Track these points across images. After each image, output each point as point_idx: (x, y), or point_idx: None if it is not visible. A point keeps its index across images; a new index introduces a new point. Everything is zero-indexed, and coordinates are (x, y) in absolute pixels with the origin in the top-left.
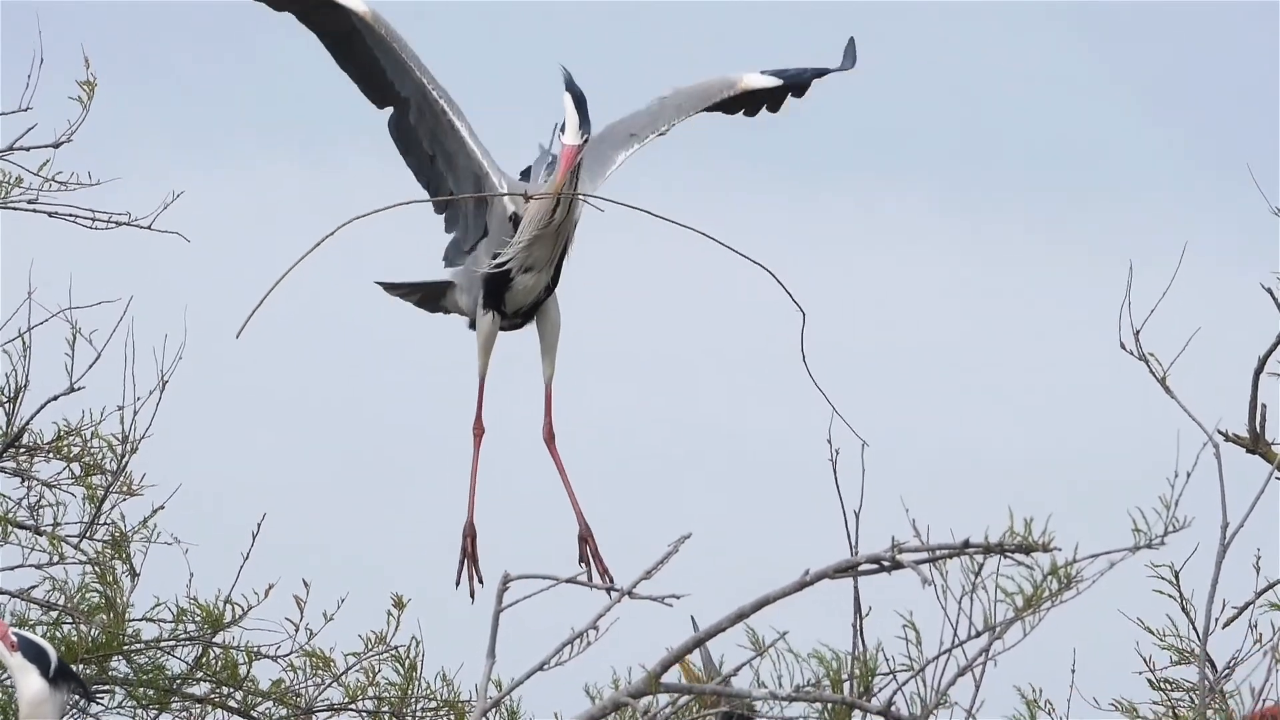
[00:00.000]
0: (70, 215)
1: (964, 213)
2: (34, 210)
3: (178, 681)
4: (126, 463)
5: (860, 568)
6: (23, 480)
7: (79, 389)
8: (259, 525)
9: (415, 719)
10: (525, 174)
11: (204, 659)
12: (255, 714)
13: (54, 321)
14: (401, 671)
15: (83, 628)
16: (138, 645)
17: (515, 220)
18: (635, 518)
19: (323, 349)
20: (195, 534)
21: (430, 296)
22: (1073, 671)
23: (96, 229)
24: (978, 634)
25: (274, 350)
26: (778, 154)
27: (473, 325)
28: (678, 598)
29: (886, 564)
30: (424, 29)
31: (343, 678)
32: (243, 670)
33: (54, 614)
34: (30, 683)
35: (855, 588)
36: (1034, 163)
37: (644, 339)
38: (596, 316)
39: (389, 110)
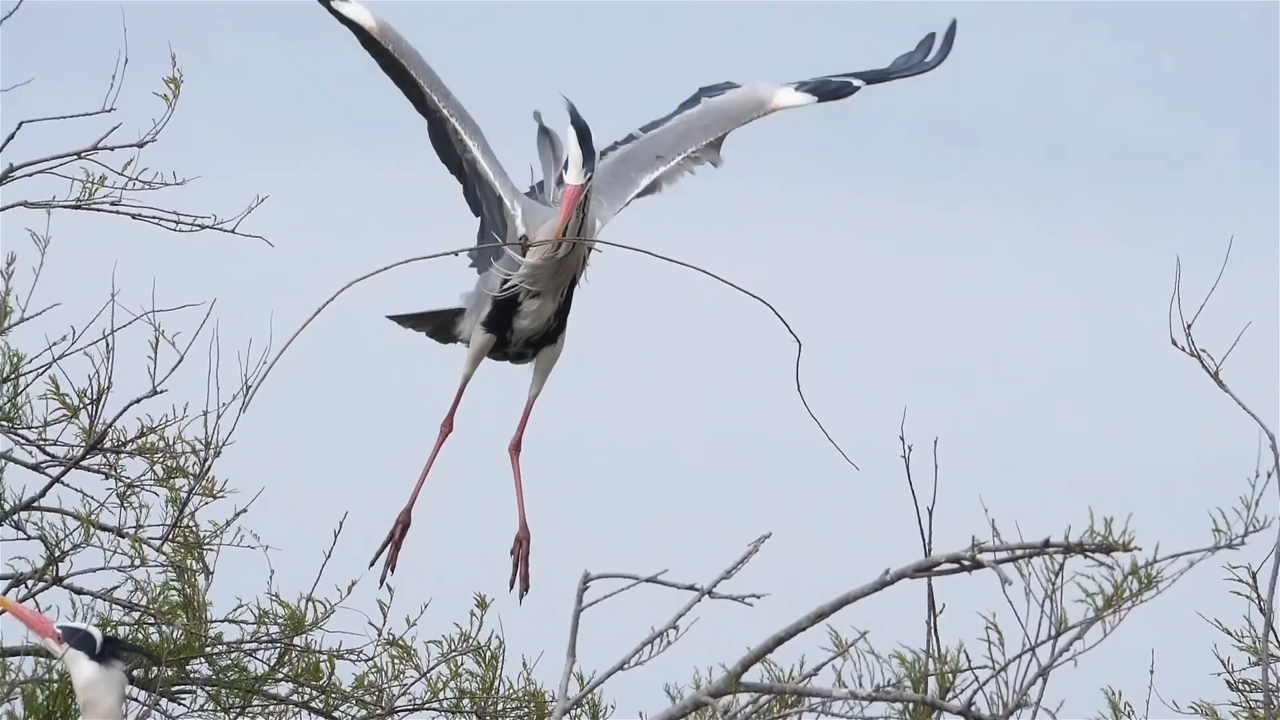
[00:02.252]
0: (154, 218)
1: (1020, 210)
2: (117, 212)
3: (259, 682)
4: (209, 467)
5: (940, 567)
6: (107, 476)
7: (162, 392)
8: (340, 524)
9: (497, 716)
10: (539, 187)
11: (285, 659)
12: (337, 714)
13: (137, 324)
14: (483, 663)
15: (164, 629)
16: (220, 647)
17: (525, 239)
18: (715, 518)
19: (405, 350)
20: (277, 535)
21: (442, 327)
22: (1151, 672)
23: (180, 231)
24: (1058, 634)
25: (357, 351)
26: (838, 147)
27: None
28: (758, 597)
29: (966, 563)
30: (442, 27)
31: (428, 673)
32: (324, 670)
33: (136, 615)
34: (81, 669)
35: (929, 587)
36: (1083, 160)
37: (707, 338)
38: (646, 318)
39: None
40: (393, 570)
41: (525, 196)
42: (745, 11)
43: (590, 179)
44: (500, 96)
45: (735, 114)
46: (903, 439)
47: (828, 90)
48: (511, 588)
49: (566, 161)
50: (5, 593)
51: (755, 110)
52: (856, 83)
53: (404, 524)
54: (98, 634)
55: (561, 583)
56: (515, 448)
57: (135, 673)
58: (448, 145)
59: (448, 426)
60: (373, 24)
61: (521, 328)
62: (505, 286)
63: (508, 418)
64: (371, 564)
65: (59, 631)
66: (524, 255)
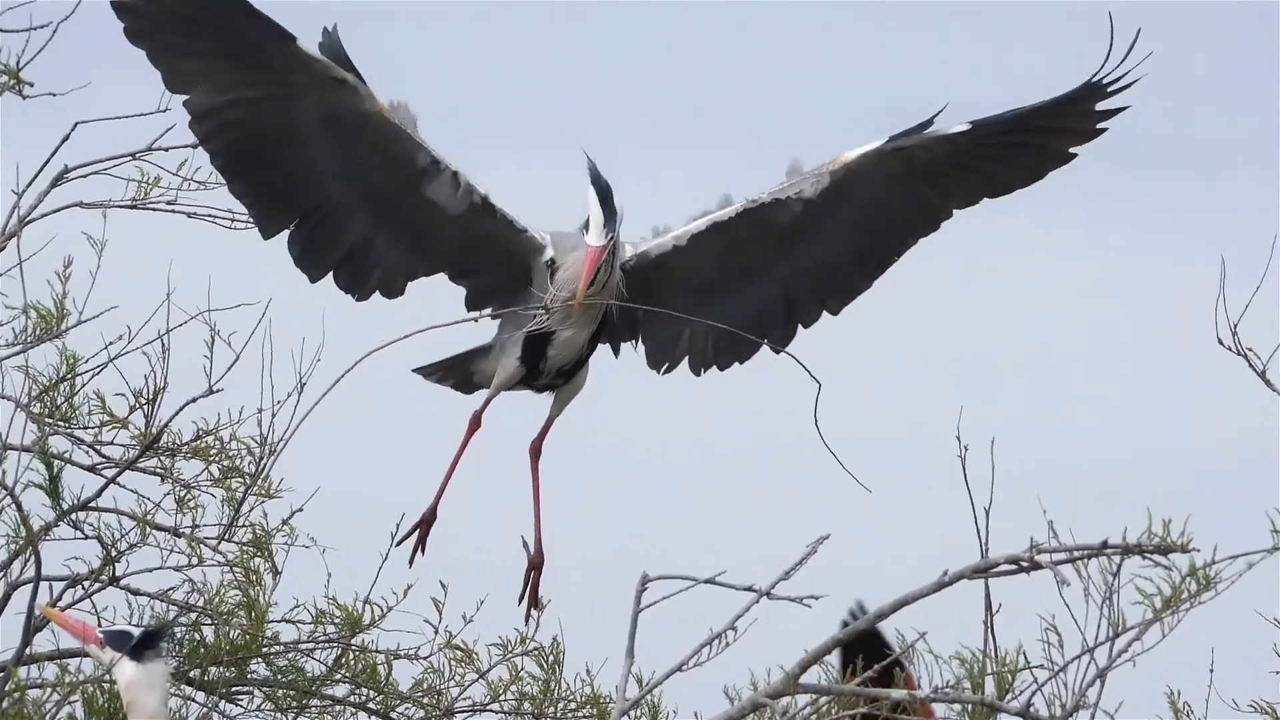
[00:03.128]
0: (209, 216)
1: (1066, 210)
2: (172, 211)
3: (316, 683)
4: (265, 466)
5: (998, 568)
6: (163, 479)
7: (217, 391)
8: (398, 526)
9: (556, 718)
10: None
11: (343, 660)
12: (394, 715)
13: (193, 323)
14: (545, 667)
15: (222, 629)
16: (277, 647)
17: (551, 265)
18: (774, 519)
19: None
20: (333, 535)
21: (464, 375)
22: (1210, 672)
23: (235, 229)
24: (1116, 635)
25: (410, 351)
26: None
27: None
28: (816, 598)
29: (1025, 564)
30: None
31: (487, 674)
32: (382, 671)
33: (193, 615)
34: (122, 670)
35: (986, 587)
36: (1127, 157)
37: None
38: None
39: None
40: (423, 552)
41: (549, 226)
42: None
43: (612, 239)
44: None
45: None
46: (959, 439)
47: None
48: (519, 602)
49: (588, 221)
50: (62, 593)
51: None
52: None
53: (427, 521)
54: (135, 630)
55: (620, 584)
56: (535, 451)
57: (192, 674)
58: (437, 207)
59: (476, 422)
60: (384, 103)
61: (555, 359)
62: (532, 327)
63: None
64: (396, 544)
65: (100, 636)
66: (546, 314)
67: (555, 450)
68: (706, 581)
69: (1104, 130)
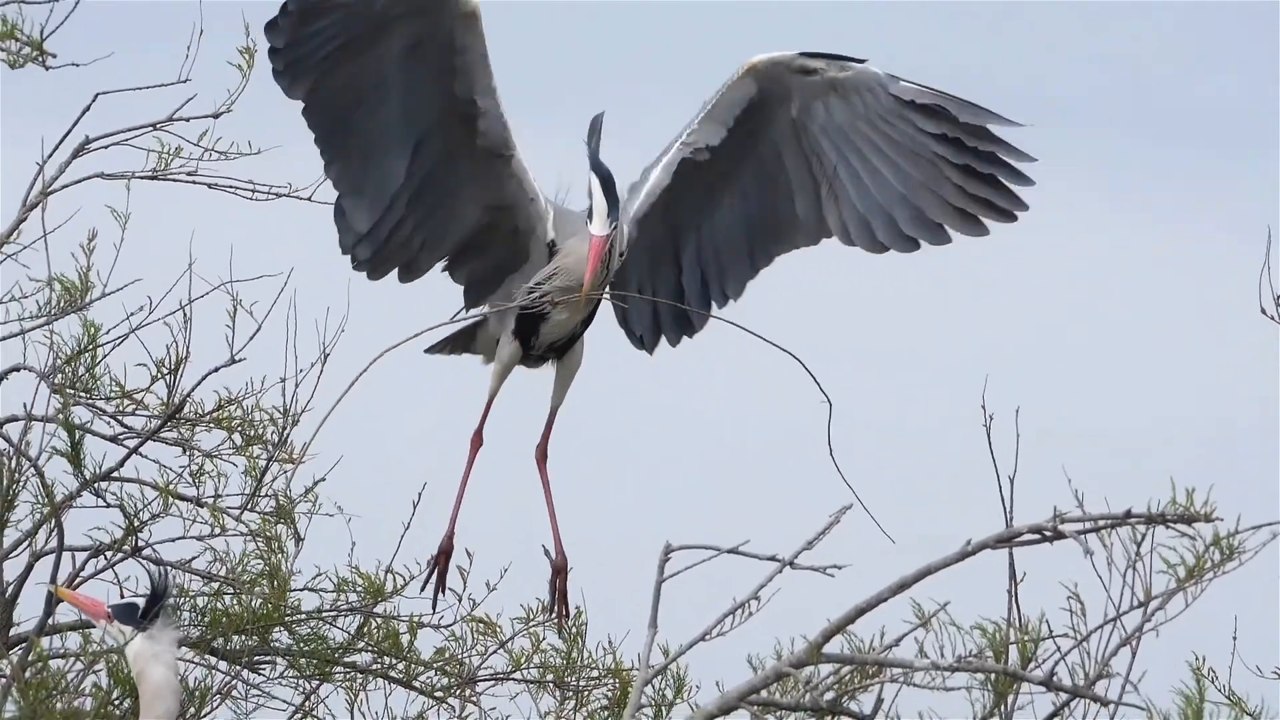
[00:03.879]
0: (230, 187)
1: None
2: (194, 182)
3: (339, 652)
4: (288, 435)
5: (1022, 538)
6: (184, 450)
7: (239, 361)
8: (419, 495)
9: (579, 687)
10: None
11: (365, 629)
12: (417, 684)
13: (215, 294)
14: (567, 638)
15: (244, 598)
16: (299, 616)
17: (552, 247)
18: (796, 489)
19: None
20: (356, 504)
21: (466, 342)
22: (1234, 640)
23: (256, 200)
24: (1140, 605)
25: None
26: None
27: (490, 359)
28: (839, 568)
29: (1048, 534)
30: None
31: (508, 644)
32: (404, 640)
33: (215, 585)
34: (127, 643)
35: (1010, 556)
36: (1165, 128)
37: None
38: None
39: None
40: (444, 593)
41: (555, 202)
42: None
43: (615, 228)
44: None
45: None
46: (984, 408)
47: None
48: (550, 613)
49: (590, 210)
50: (85, 563)
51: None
52: None
53: (445, 552)
54: (141, 602)
55: (643, 554)
56: (541, 455)
57: (215, 643)
58: (472, 145)
59: (478, 440)
60: (476, 4)
61: (547, 335)
62: (528, 300)
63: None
64: (421, 589)
65: (109, 611)
66: (552, 308)
67: (578, 420)
68: (730, 551)
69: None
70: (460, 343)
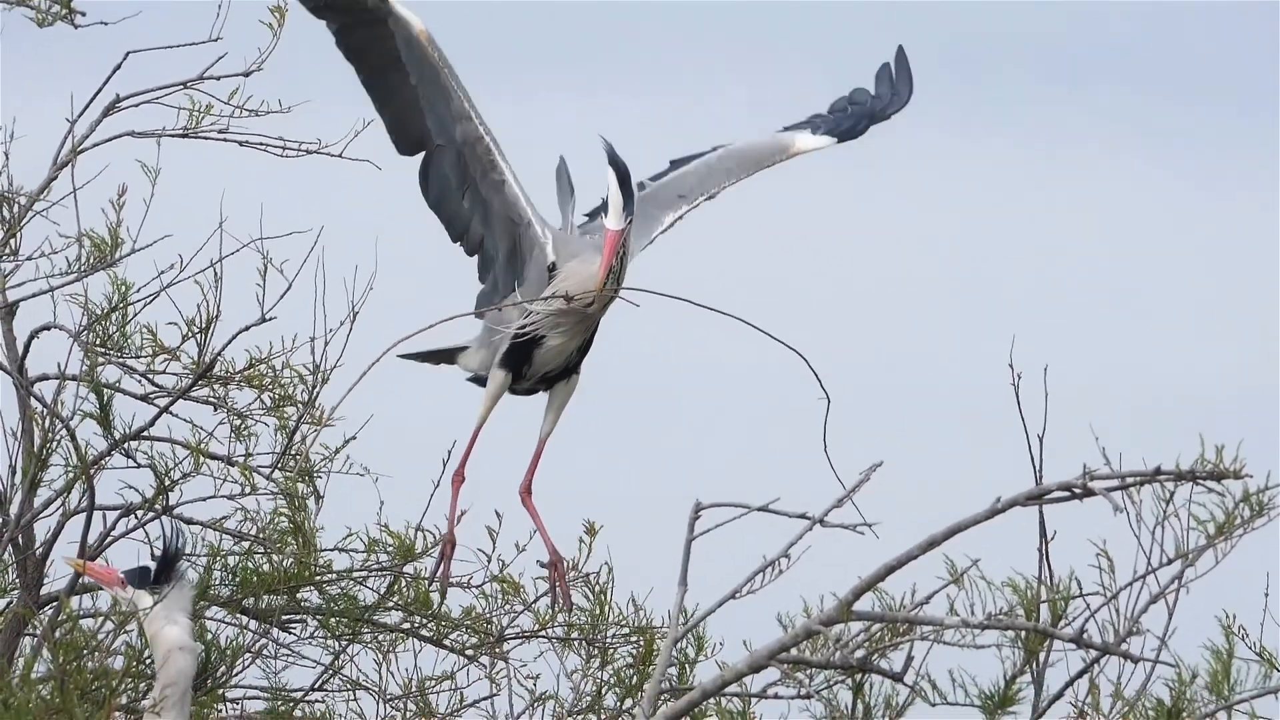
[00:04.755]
0: (261, 144)
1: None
2: (224, 139)
3: (369, 611)
4: (318, 394)
5: (1052, 495)
6: (215, 409)
7: (270, 319)
8: (449, 454)
9: (607, 646)
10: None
11: (395, 588)
12: (447, 643)
13: (245, 252)
14: (592, 598)
15: (274, 557)
16: (329, 575)
17: (552, 270)
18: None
19: None
20: (385, 464)
21: (447, 361)
22: (1265, 595)
23: (287, 157)
24: (1169, 561)
25: (465, 276)
26: (956, 82)
27: (478, 381)
28: (869, 525)
29: (1078, 491)
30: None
31: (534, 605)
32: (434, 599)
33: (245, 544)
34: (140, 606)
35: (1040, 514)
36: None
37: (814, 271)
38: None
39: (418, 156)
40: (452, 583)
41: (557, 228)
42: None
43: (631, 222)
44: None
45: (759, 158)
46: (1011, 366)
47: (844, 130)
48: (552, 607)
49: (605, 205)
50: (115, 522)
51: (778, 155)
52: (865, 124)
53: (451, 543)
54: (153, 565)
55: (673, 512)
56: (526, 491)
57: (245, 602)
58: (463, 174)
59: (459, 478)
60: (419, 26)
61: (541, 363)
62: (525, 329)
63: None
64: (429, 583)
65: (121, 577)
66: (567, 304)
67: (610, 377)
68: (760, 509)
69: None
70: (439, 356)
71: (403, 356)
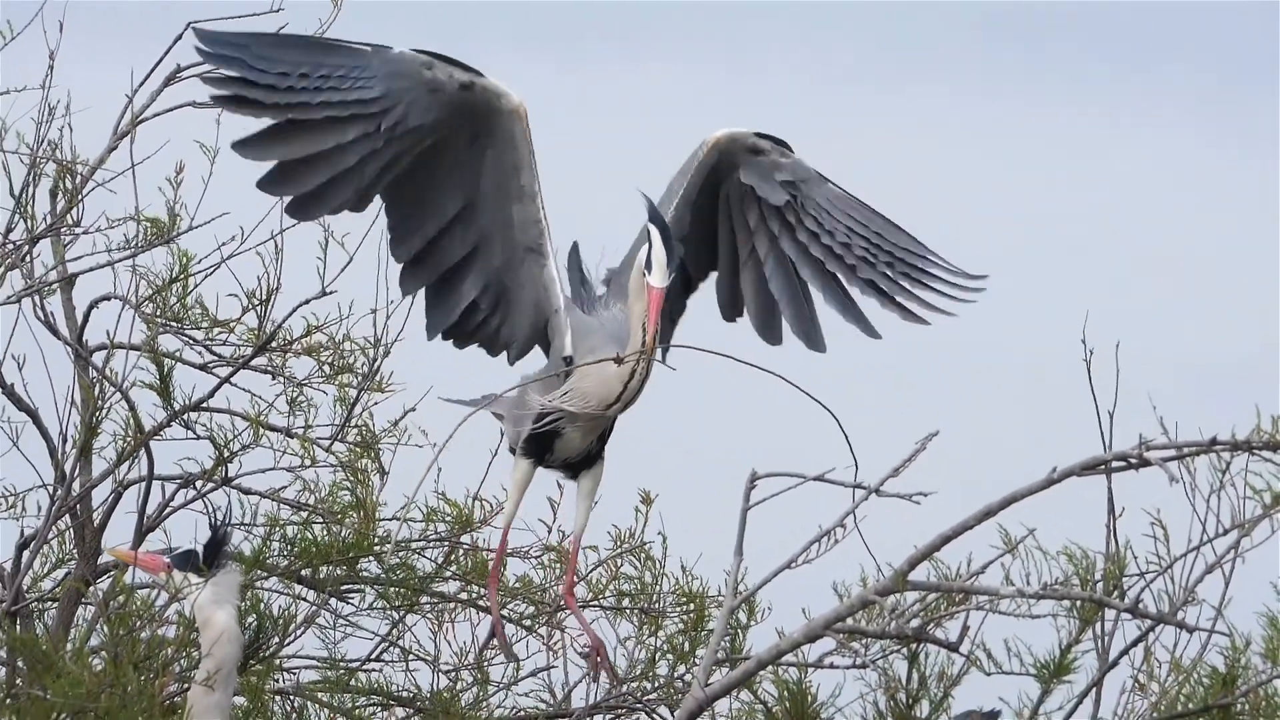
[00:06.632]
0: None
1: (1219, 114)
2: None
3: (427, 581)
4: (379, 365)
5: (1108, 466)
6: (274, 377)
7: (331, 293)
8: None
9: (661, 614)
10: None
11: (453, 558)
12: (505, 611)
13: (305, 224)
14: (640, 564)
15: (333, 529)
16: (388, 545)
17: (568, 363)
18: (884, 416)
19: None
20: (445, 433)
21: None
22: None
23: None
24: (1225, 531)
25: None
26: (1010, 59)
27: (511, 450)
28: (925, 495)
29: (1134, 461)
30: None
31: (588, 577)
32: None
33: (304, 515)
34: (189, 590)
35: (1109, 486)
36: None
37: None
38: None
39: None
40: (514, 654)
41: (574, 310)
42: None
43: (674, 279)
44: None
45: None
46: (1084, 342)
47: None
48: (596, 680)
49: (649, 260)
50: (174, 494)
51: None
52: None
53: (503, 640)
54: (199, 548)
55: (729, 481)
56: (569, 592)
57: (304, 573)
58: (488, 258)
59: (495, 580)
60: (519, 101)
61: (561, 453)
62: (544, 422)
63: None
64: (492, 657)
65: (168, 562)
66: (580, 409)
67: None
68: (815, 478)
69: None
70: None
71: (447, 399)
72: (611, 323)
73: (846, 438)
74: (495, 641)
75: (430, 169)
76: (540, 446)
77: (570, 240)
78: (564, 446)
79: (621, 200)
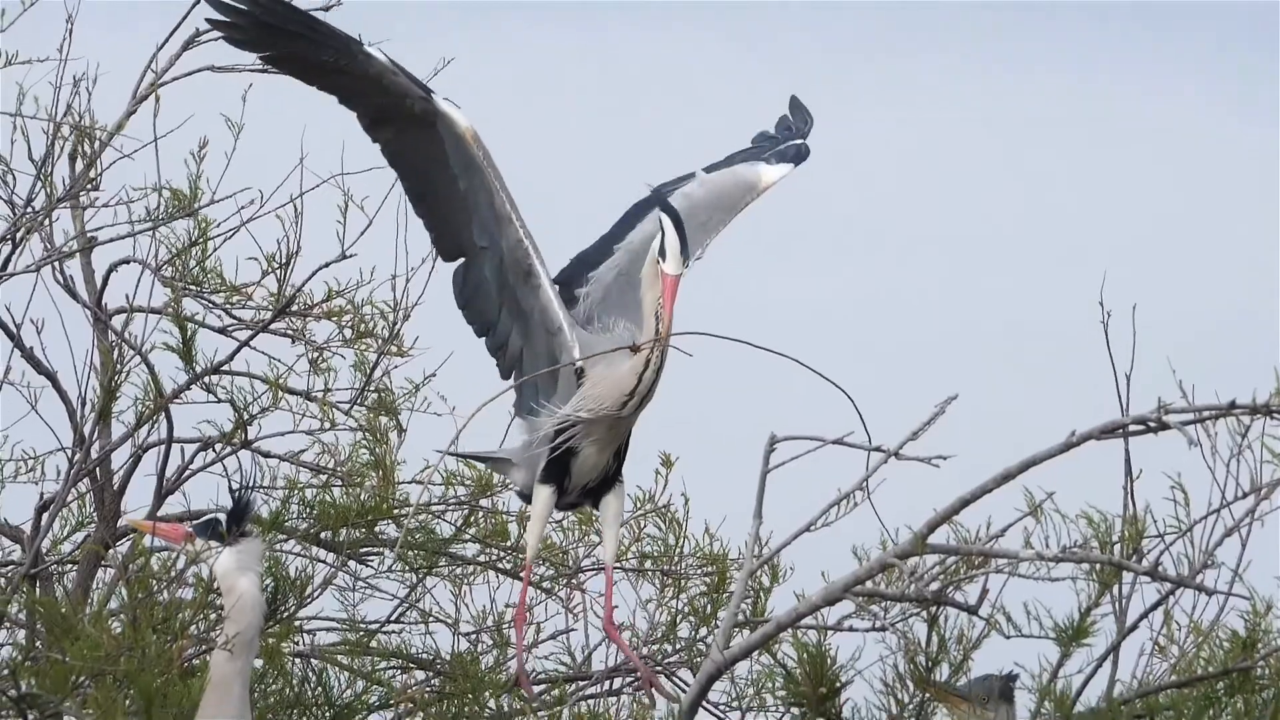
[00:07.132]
0: None
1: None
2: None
3: (446, 544)
4: (399, 329)
5: (1127, 429)
6: (294, 341)
7: (350, 256)
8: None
9: (680, 577)
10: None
11: (472, 521)
12: (523, 575)
13: (325, 188)
14: (663, 528)
15: (352, 492)
16: (407, 509)
17: (580, 375)
18: (904, 379)
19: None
20: (464, 397)
21: (494, 467)
22: None
23: None
24: (1244, 495)
25: (549, 218)
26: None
27: (526, 498)
28: (944, 458)
29: (1153, 425)
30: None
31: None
32: (512, 530)
33: (323, 478)
34: (211, 559)
35: (1126, 449)
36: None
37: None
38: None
39: (457, 261)
40: (535, 703)
41: (576, 328)
42: None
43: (690, 266)
44: None
45: (734, 204)
46: (1101, 304)
47: (793, 154)
48: (648, 698)
49: (663, 249)
50: (194, 456)
51: (750, 194)
52: (806, 148)
53: (521, 679)
54: (223, 516)
55: (748, 445)
56: (609, 623)
57: (323, 535)
58: (488, 285)
59: (522, 615)
60: (467, 126)
61: (579, 477)
62: (559, 440)
63: None
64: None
65: (189, 530)
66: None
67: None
68: (834, 442)
69: None
70: (490, 463)
71: (455, 454)
72: (623, 335)
73: (861, 418)
74: (518, 684)
75: (432, 182)
76: (559, 470)
77: (566, 259)
78: (581, 466)
79: (625, 166)
